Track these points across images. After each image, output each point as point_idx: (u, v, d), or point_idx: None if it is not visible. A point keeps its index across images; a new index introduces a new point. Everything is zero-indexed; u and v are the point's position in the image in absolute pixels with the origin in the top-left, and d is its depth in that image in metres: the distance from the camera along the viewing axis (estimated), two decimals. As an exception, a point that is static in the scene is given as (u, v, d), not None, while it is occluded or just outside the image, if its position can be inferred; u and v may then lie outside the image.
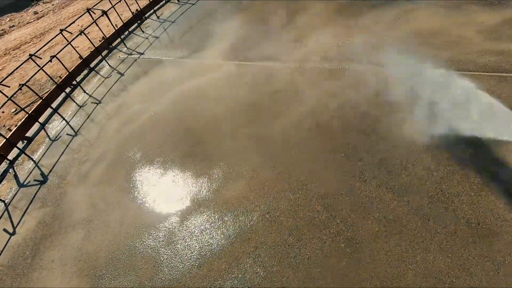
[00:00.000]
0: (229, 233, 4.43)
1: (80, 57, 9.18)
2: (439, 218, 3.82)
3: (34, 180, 6.41)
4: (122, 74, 8.72)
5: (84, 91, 8.52)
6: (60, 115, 7.82)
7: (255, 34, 8.41)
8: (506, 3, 6.49)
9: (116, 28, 10.13)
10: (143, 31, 10.51)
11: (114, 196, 5.54)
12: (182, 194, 5.17)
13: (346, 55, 6.56)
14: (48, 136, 7.44)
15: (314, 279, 3.75)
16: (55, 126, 7.76)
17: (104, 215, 5.27)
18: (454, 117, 4.63)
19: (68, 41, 8.50)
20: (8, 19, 20.89)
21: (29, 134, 7.68)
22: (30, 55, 7.65)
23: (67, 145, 6.97)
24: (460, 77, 5.20)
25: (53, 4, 20.12)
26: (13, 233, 5.49)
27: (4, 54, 15.89)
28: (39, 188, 6.19)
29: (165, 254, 4.47)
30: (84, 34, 8.47)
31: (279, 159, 5.12)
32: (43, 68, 7.85)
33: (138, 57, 9.24)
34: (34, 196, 6.04)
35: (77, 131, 7.30)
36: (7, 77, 7.73)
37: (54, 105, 8.23)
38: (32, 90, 7.47)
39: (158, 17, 11.10)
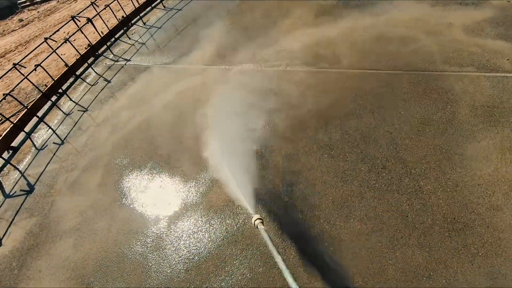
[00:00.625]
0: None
1: (66, 65, 9.14)
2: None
3: (21, 190, 6.36)
4: (109, 81, 8.71)
5: (71, 99, 8.48)
6: (46, 124, 7.77)
7: (239, 39, 8.55)
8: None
9: (102, 35, 10.12)
10: (129, 38, 10.52)
11: (102, 203, 5.55)
12: (169, 198, 5.22)
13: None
14: (34, 145, 7.38)
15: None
16: (41, 135, 7.71)
17: (92, 223, 5.28)
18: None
19: (53, 49, 8.47)
20: (-8, 27, 20.55)
21: (14, 144, 7.61)
22: (14, 64, 7.59)
23: (54, 154, 6.94)
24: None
25: (38, 12, 19.90)
26: (-1, 245, 5.45)
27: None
28: (26, 198, 6.15)
29: (151, 257, 4.52)
30: (69, 42, 8.46)
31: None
32: (27, 77, 7.80)
33: (125, 64, 9.25)
34: (21, 207, 5.99)
35: (64, 139, 7.27)
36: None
37: (40, 113, 8.16)
38: (16, 99, 7.41)
39: (144, 23, 11.13)
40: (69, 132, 7.44)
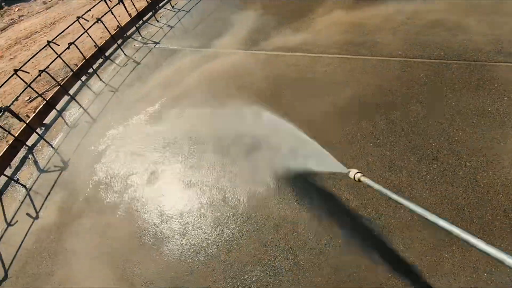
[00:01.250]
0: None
1: (96, 45, 9.13)
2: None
3: (54, 166, 6.41)
4: (138, 63, 8.66)
5: (100, 79, 8.48)
6: (78, 102, 7.79)
7: (272, 23, 8.34)
8: None
9: (131, 17, 10.05)
10: (157, 21, 10.43)
11: (135, 179, 5.52)
12: (197, 176, 5.14)
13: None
14: (66, 123, 7.42)
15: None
16: (72, 113, 7.74)
17: (126, 200, 5.26)
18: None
19: (84, 29, 8.44)
20: (17, 9, 20.83)
21: (46, 121, 7.68)
22: (48, 42, 7.60)
23: (86, 132, 6.95)
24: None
25: (62, -6, 19.98)
26: (37, 217, 5.50)
27: (15, 44, 15.85)
28: (60, 174, 6.19)
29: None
30: (101, 21, 8.40)
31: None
32: (60, 56, 7.81)
33: (154, 46, 9.18)
34: (55, 182, 6.04)
35: (95, 118, 7.27)
36: (25, 63, 7.67)
37: (70, 92, 8.19)
38: (51, 76, 7.43)
39: (172, 7, 11.01)
40: (100, 111, 7.44)
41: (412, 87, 5.43)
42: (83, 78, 8.71)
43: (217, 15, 9.80)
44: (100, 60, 9.28)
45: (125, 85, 8.05)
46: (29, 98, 9.62)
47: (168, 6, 11.15)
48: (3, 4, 21.00)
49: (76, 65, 9.00)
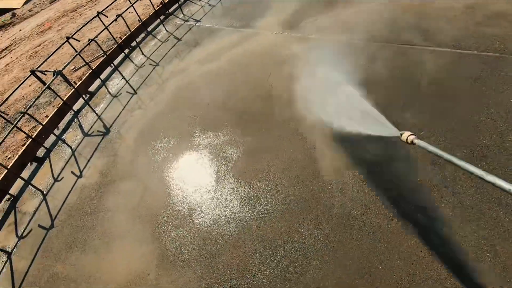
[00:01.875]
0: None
1: (139, 19, 9.39)
2: (525, 210, 3.56)
3: (97, 131, 6.79)
4: (179, 39, 8.83)
5: (142, 53, 8.76)
6: (120, 73, 8.13)
7: (316, 6, 8.12)
8: None
9: (174, -6, 10.20)
10: (199, -1, 10.51)
11: (174, 150, 5.73)
12: (238, 141, 5.24)
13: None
14: (109, 92, 7.79)
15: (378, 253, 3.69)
16: (115, 83, 8.10)
17: (162, 167, 5.50)
18: None
19: (131, 3, 8.70)
20: (65, -18, 21.75)
21: (91, 89, 8.10)
22: (98, 13, 7.92)
23: (127, 102, 7.27)
24: None
25: (108, -30, 20.57)
26: (80, 176, 5.91)
27: (62, 16, 16.64)
28: (102, 138, 6.56)
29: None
30: (147, -4, 8.59)
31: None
32: (107, 28, 8.13)
33: (195, 24, 9.28)
34: (98, 145, 6.41)
35: (136, 89, 7.57)
36: (76, 32, 8.07)
37: (114, 64, 8.54)
38: (99, 45, 7.78)
39: (214, -14, 11.00)
40: (141, 83, 7.72)
41: (464, 80, 5.12)
42: (126, 51, 9.03)
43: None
44: (143, 35, 9.55)
45: (165, 59, 8.26)
46: (74, 67, 10.15)
47: (210, -15, 11.15)
48: (53, -23, 21.94)
49: (120, 38, 9.33)
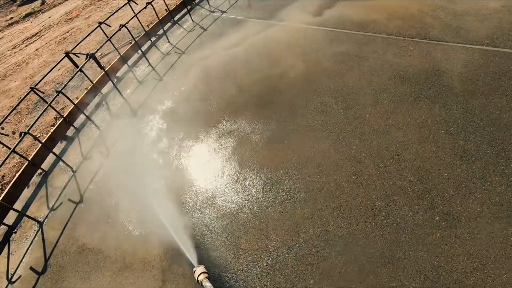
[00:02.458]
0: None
1: (167, 9, 9.57)
2: (558, 210, 3.48)
3: (124, 113, 7.02)
4: (205, 29, 8.96)
5: (169, 41, 8.94)
6: (147, 60, 8.33)
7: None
8: None
9: (201, -15, 10.31)
10: (225, -9, 10.58)
11: (194, 135, 5.87)
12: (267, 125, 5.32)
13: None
14: (136, 78, 8.01)
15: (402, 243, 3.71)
16: (141, 70, 8.32)
17: (175, 154, 5.65)
18: None
19: (160, -9, 8.87)
20: (93, -28, 22.26)
21: (118, 74, 8.35)
22: (128, 0, 8.13)
23: (153, 88, 7.46)
24: None
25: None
26: (108, 155, 6.14)
27: (90, 4, 17.09)
28: (128, 121, 6.77)
29: (247, 195, 4.70)
30: (176, -15, 8.74)
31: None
32: (137, 15, 8.33)
33: (221, 15, 9.39)
34: (125, 126, 6.63)
35: (162, 76, 7.76)
36: (106, 19, 8.32)
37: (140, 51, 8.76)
38: (129, 31, 7.99)
39: (240, -21, 11.05)
40: (167, 70, 7.90)
41: (498, 78, 5.01)
42: (153, 39, 9.24)
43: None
44: (169, 24, 9.74)
45: (190, 48, 8.41)
46: (101, 54, 10.45)
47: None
48: (82, -33, 22.46)
49: (148, 26, 9.55)
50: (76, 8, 17.41)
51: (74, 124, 7.03)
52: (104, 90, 7.84)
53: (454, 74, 5.35)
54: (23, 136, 5.42)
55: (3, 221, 5.40)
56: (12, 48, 14.37)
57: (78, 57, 7.00)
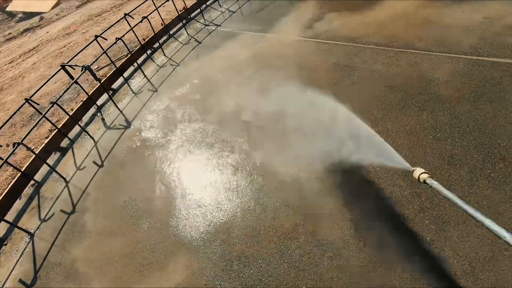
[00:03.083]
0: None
1: (163, 22, 9.82)
2: (544, 211, 3.55)
3: (119, 124, 7.07)
4: (199, 42, 9.17)
5: (164, 54, 9.13)
6: (142, 72, 8.48)
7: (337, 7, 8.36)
8: None
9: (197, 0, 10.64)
10: (220, 5, 10.91)
11: (185, 147, 5.92)
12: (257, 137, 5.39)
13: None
14: (131, 89, 8.12)
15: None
16: (137, 81, 8.44)
17: (175, 157, 5.69)
18: None
19: (155, 6, 9.13)
20: (92, -11, 22.80)
21: (114, 86, 8.46)
22: (125, 14, 8.35)
23: (148, 99, 7.56)
24: None
25: (132, -22, 21.49)
26: (101, 166, 6.14)
27: (88, 20, 17.44)
28: (123, 132, 6.82)
29: (240, 203, 4.72)
30: (173, 1, 9.02)
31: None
32: (133, 29, 8.54)
33: (215, 29, 9.64)
34: (119, 139, 6.66)
35: (157, 87, 7.87)
36: (102, 33, 8.51)
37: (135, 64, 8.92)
38: (125, 44, 8.17)
39: (235, -6, 11.42)
40: (162, 82, 8.03)
41: (482, 85, 5.17)
42: (148, 52, 9.42)
43: (277, 3, 10.00)
44: (165, 37, 9.96)
45: (185, 61, 8.58)
46: (98, 67, 10.60)
47: (231, -8, 11.58)
48: (81, -16, 22.97)
49: (144, 39, 9.76)
50: (74, 23, 17.72)
51: (69, 135, 7.06)
52: (99, 102, 7.92)
53: (440, 82, 5.52)
54: (16, 147, 5.43)
55: (-7, 233, 5.33)
56: (9, 63, 14.51)
57: (74, 69, 7.11)
